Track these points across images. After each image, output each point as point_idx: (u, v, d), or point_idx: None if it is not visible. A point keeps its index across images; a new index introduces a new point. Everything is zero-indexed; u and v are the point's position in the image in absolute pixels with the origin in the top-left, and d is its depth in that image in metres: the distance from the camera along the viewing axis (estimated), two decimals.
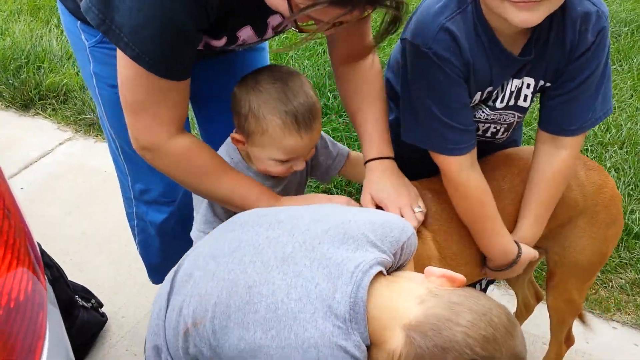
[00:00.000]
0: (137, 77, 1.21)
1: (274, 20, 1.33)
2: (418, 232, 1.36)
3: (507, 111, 1.50)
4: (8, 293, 0.86)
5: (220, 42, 1.32)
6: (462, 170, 1.41)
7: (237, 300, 0.99)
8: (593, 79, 1.41)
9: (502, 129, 1.56)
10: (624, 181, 2.68)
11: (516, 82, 1.43)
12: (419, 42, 1.34)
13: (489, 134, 1.57)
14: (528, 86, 1.45)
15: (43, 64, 3.53)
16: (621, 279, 2.31)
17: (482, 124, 1.53)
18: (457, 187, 1.43)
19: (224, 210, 1.43)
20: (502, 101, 1.47)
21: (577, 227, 1.57)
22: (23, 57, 3.55)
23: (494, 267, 1.53)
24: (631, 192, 2.63)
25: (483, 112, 1.49)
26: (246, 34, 1.32)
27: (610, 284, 2.30)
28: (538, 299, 2.01)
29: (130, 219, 1.83)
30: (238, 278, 1.01)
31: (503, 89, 1.45)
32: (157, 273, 1.94)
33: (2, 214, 0.95)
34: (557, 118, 1.46)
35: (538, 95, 1.51)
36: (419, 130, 1.43)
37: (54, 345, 0.98)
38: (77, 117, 3.25)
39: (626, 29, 3.83)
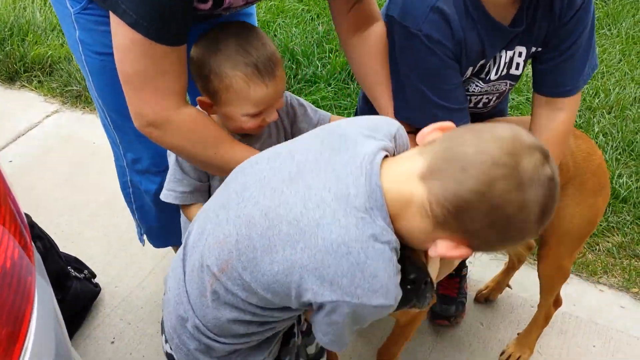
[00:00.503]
0: (135, 46, 1.20)
1: None
2: None
3: (500, 81, 1.50)
4: None
5: (207, 6, 1.31)
6: None
7: (258, 229, 0.99)
8: (582, 39, 1.42)
9: (494, 98, 1.56)
10: (612, 145, 2.69)
11: (509, 54, 1.43)
12: (409, 24, 1.32)
13: (480, 105, 1.57)
14: (520, 54, 1.45)
15: (27, 36, 3.48)
16: (608, 242, 2.34)
17: (475, 97, 1.53)
18: None
19: (192, 167, 1.43)
20: (496, 73, 1.46)
21: (567, 195, 1.59)
22: (7, 29, 3.50)
23: None
24: (619, 157, 2.65)
25: (477, 85, 1.48)
26: None
27: (597, 247, 2.33)
28: (529, 249, 2.03)
29: (124, 187, 1.83)
30: (252, 211, 1.01)
31: (495, 62, 1.44)
32: (157, 237, 1.95)
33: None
34: (552, 80, 1.47)
35: (529, 60, 1.51)
36: (411, 110, 1.43)
37: (43, 312, 0.99)
38: (63, 89, 3.21)
39: None
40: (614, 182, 2.49)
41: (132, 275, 2.25)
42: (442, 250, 0.98)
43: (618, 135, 2.74)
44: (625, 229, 2.38)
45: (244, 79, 1.30)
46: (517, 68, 1.47)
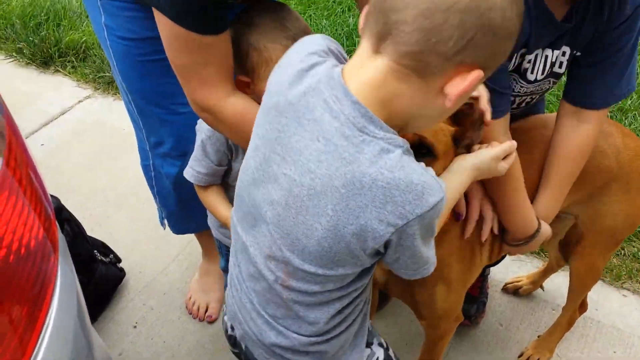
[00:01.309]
0: (177, 39, 1.24)
1: None
2: None
3: (545, 80, 1.48)
4: (19, 239, 0.89)
5: None
6: (496, 136, 1.36)
7: (288, 221, 0.98)
8: (623, 53, 1.39)
9: (536, 97, 1.55)
10: None
11: (556, 53, 1.41)
12: None
13: (523, 105, 1.56)
14: (564, 54, 1.43)
15: (62, 21, 3.55)
16: (633, 247, 2.30)
17: (520, 97, 1.51)
18: None
19: (214, 150, 1.46)
20: (542, 72, 1.45)
21: (612, 193, 1.56)
22: (43, 13, 3.57)
23: (513, 241, 1.52)
24: None
25: (521, 86, 1.47)
26: None
27: (622, 252, 2.29)
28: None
29: (146, 171, 1.86)
30: (272, 214, 1.00)
31: (540, 60, 1.42)
32: (177, 222, 1.98)
33: (15, 164, 0.97)
34: (583, 90, 1.44)
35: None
36: None
37: (64, 293, 1.01)
38: (96, 75, 3.27)
39: None
40: None
41: (156, 261, 2.29)
42: (455, 89, 0.88)
43: None
44: None
45: (284, 52, 1.32)
46: (560, 67, 1.45)
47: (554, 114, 1.56)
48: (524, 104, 1.56)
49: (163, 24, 1.24)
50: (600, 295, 2.15)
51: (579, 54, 1.42)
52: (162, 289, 2.19)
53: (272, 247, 1.02)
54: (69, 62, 3.38)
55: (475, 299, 2.03)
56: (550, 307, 2.14)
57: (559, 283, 2.03)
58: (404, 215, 0.90)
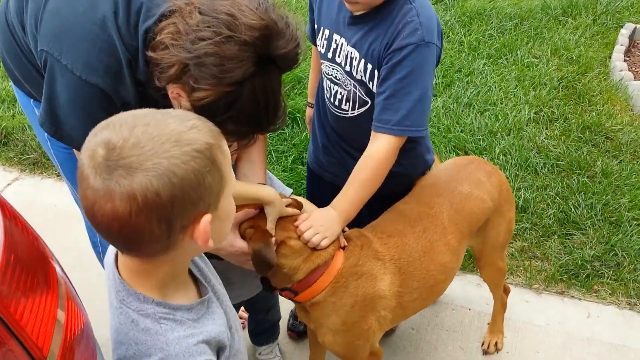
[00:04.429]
0: None
1: None
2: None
3: (346, 76, 1.82)
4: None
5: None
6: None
7: None
8: (400, 87, 1.66)
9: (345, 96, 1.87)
10: (511, 163, 3.15)
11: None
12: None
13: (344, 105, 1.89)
14: (356, 59, 1.75)
15: None
16: (511, 247, 2.77)
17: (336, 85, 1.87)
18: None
19: None
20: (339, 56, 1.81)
21: (493, 222, 2.00)
22: None
23: None
24: (517, 173, 3.10)
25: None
26: None
27: None
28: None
29: (95, 247, 2.13)
30: None
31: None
32: None
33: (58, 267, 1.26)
34: (375, 114, 1.73)
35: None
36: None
37: None
38: (20, 157, 3.47)
39: (510, 23, 4.33)
40: (514, 195, 2.92)
41: (103, 327, 2.51)
42: (203, 227, 0.96)
43: (516, 153, 3.20)
44: (525, 235, 2.82)
45: None
46: (356, 71, 1.80)
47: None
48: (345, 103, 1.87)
49: None
50: (489, 292, 2.59)
51: (375, 71, 1.72)
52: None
53: None
54: None
55: None
56: (450, 308, 2.56)
57: (453, 287, 2.44)
58: None
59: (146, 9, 1.37)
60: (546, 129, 3.41)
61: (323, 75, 1.92)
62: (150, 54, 1.35)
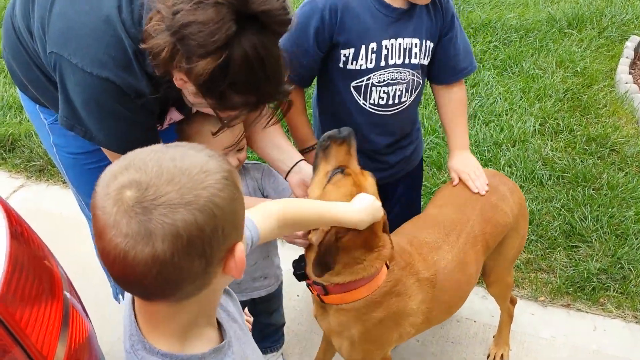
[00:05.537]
0: (114, 158, 1.55)
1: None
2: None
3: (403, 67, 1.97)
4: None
5: (161, 127, 1.68)
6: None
7: None
8: (464, 44, 2.00)
9: (405, 91, 2.00)
10: (516, 175, 3.14)
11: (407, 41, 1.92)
12: None
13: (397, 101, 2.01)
14: (416, 45, 1.92)
15: None
16: (517, 259, 2.75)
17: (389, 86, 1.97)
18: None
19: None
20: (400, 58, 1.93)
21: (509, 238, 2.01)
22: None
23: None
24: (522, 184, 3.10)
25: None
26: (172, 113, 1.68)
27: None
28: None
29: (99, 255, 2.13)
30: None
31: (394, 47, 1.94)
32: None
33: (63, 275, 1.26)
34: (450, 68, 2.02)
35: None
36: None
37: None
38: (26, 164, 3.48)
39: (515, 35, 4.34)
40: None
41: (107, 335, 2.51)
42: (239, 257, 0.92)
43: (521, 165, 3.19)
44: (531, 247, 2.81)
45: None
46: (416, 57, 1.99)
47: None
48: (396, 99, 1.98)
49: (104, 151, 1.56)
50: (494, 304, 2.56)
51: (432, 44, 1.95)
52: None
53: None
54: None
55: None
56: (455, 319, 2.55)
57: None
58: None
59: (148, 2, 1.39)
60: (551, 140, 3.41)
61: (372, 89, 1.93)
62: (143, 45, 1.37)
